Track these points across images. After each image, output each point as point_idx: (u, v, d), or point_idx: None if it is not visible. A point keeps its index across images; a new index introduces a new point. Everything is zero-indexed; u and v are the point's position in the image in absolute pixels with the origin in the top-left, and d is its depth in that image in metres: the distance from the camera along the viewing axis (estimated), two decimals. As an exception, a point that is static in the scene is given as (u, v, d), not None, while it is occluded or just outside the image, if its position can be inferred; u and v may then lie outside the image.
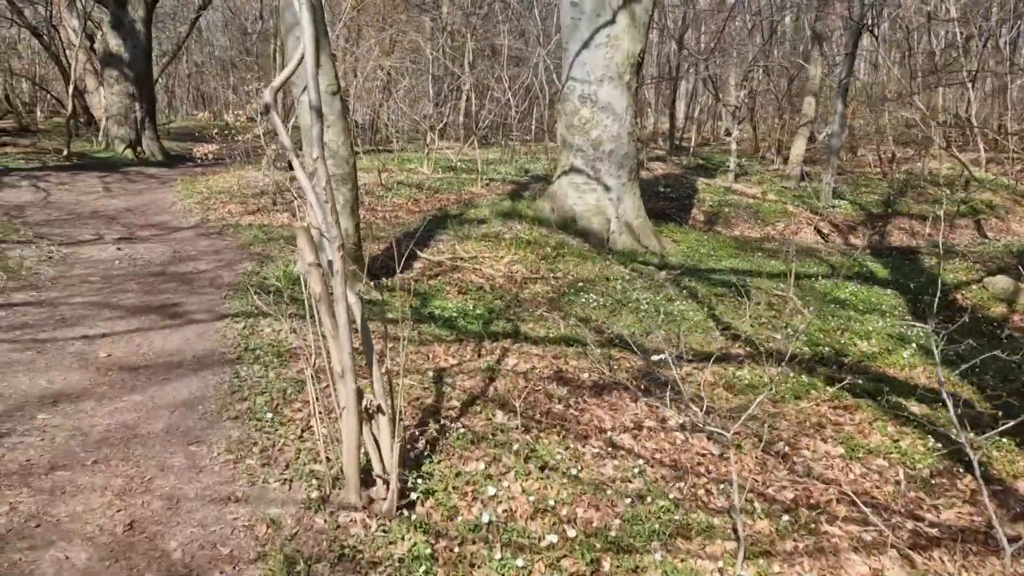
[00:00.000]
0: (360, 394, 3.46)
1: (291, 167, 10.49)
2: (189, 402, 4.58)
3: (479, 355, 5.90)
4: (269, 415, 4.39)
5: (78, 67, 18.47)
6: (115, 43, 16.19)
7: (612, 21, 8.75)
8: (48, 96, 25.33)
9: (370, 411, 3.55)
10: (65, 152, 15.29)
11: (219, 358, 5.29)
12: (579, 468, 4.28)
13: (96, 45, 18.01)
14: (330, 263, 3.46)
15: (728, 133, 28.98)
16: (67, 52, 21.89)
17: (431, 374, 5.35)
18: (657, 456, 4.70)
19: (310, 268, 3.35)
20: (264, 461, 3.92)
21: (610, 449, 4.62)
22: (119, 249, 8.28)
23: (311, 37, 3.17)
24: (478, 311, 6.93)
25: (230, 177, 13.54)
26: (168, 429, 4.23)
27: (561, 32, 9.67)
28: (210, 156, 14.10)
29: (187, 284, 7.15)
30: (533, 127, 20.43)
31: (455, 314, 6.78)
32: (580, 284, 7.83)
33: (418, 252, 8.43)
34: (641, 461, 4.48)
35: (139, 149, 16.74)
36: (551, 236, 9.20)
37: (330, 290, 3.42)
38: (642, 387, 5.56)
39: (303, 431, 4.26)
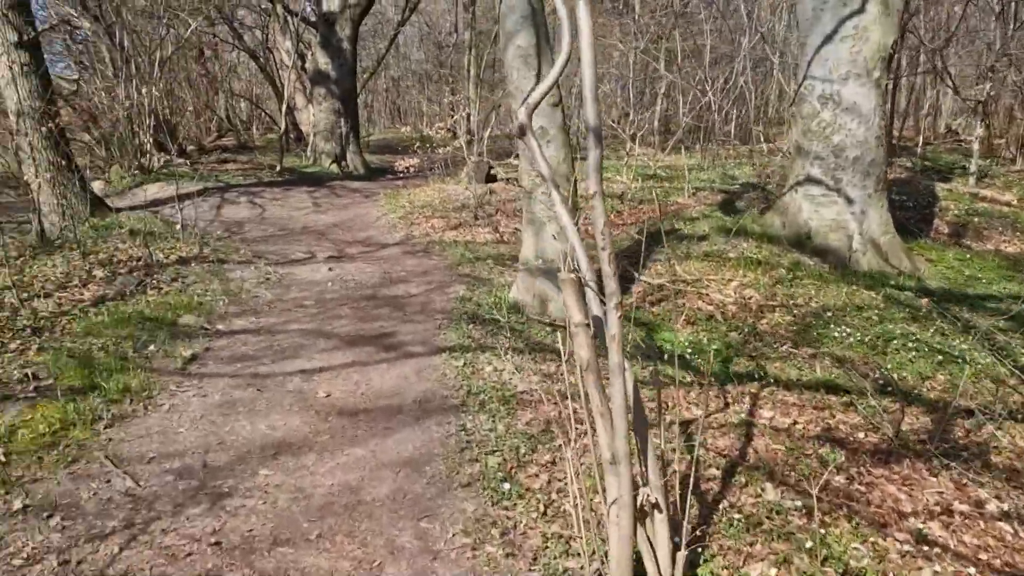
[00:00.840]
0: (636, 488, 2.72)
1: (489, 177, 9.97)
2: (414, 461, 4.03)
3: (725, 404, 5.02)
4: (505, 485, 3.75)
5: (289, 86, 19.31)
6: (323, 62, 16.65)
7: (861, 10, 7.53)
8: (263, 114, 26.90)
9: (644, 508, 2.80)
10: (278, 168, 15.86)
11: (441, 403, 4.75)
12: (890, 574, 3.32)
13: (307, 65, 18.69)
14: (596, 319, 2.75)
15: (949, 130, 26.03)
16: (280, 73, 23.07)
17: (675, 428, 4.54)
18: (983, 557, 3.62)
19: (578, 329, 2.65)
20: (507, 550, 3.26)
21: (923, 547, 3.60)
22: (330, 269, 8.11)
23: (589, 42, 2.45)
24: (714, 346, 6.03)
25: (431, 191, 13.40)
26: (394, 496, 3.69)
27: (799, 26, 8.53)
28: (411, 169, 14.10)
29: (399, 310, 6.76)
30: (734, 129, 19.06)
31: (688, 350, 5.93)
32: (827, 314, 6.72)
33: (635, 273, 7.65)
34: (972, 569, 3.44)
35: (343, 163, 17.14)
36: (783, 255, 8.09)
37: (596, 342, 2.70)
38: (941, 455, 4.45)
39: (546, 508, 3.58)
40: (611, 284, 2.54)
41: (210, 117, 24.24)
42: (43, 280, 6.72)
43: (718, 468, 4.11)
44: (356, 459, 4.04)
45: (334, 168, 16.85)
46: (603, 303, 2.64)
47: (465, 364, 5.31)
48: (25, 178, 8.37)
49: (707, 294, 7.19)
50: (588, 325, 2.67)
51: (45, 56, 12.20)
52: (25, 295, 6.34)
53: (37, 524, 3.34)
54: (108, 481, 3.73)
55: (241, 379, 5.06)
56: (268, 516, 3.49)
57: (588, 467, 3.80)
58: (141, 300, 6.35)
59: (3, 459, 3.80)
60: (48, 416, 4.17)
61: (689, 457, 4.19)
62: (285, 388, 4.94)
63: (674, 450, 4.28)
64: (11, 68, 10.52)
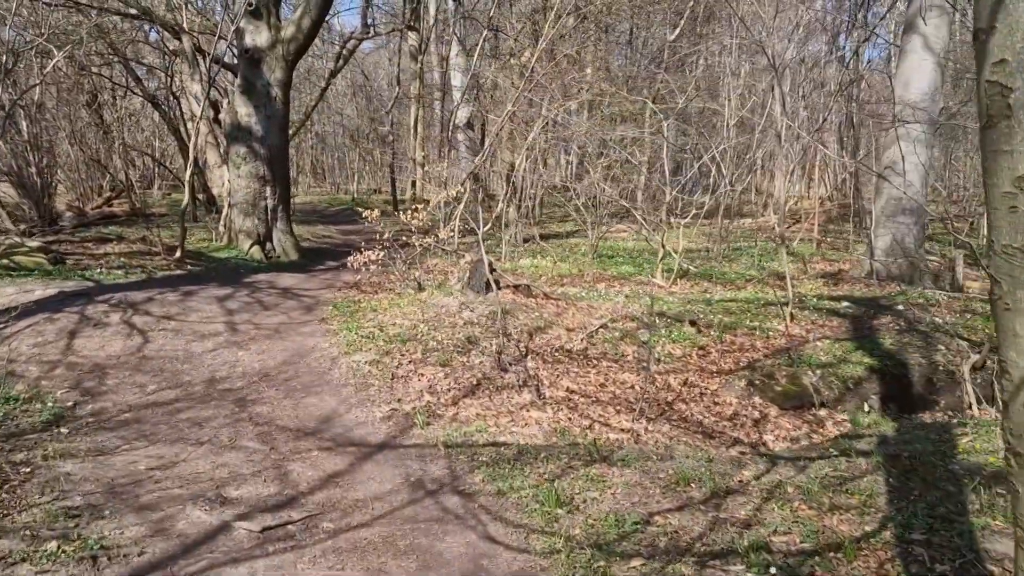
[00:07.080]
0: None
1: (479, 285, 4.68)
2: None
3: None
4: None
5: (199, 140, 13.94)
6: (245, 112, 11.49)
7: None
8: (167, 172, 21.29)
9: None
10: (178, 254, 10.54)
11: None
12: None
13: (221, 116, 13.45)
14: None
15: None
16: (188, 125, 17.62)
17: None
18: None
19: None
20: None
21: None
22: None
23: None
24: None
25: (406, 305, 8.37)
26: None
27: None
28: (370, 266, 9.08)
29: None
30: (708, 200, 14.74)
31: None
32: None
33: None
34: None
35: (268, 246, 11.91)
36: None
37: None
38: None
39: None
40: None
41: (101, 174, 18.47)
42: None
43: None
44: None
45: (256, 253, 11.61)
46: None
47: None
48: None
49: None
50: None
51: None
52: None
53: None
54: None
55: None
56: None
57: None
58: None
59: None
60: None
61: None
62: None
63: None
64: None
